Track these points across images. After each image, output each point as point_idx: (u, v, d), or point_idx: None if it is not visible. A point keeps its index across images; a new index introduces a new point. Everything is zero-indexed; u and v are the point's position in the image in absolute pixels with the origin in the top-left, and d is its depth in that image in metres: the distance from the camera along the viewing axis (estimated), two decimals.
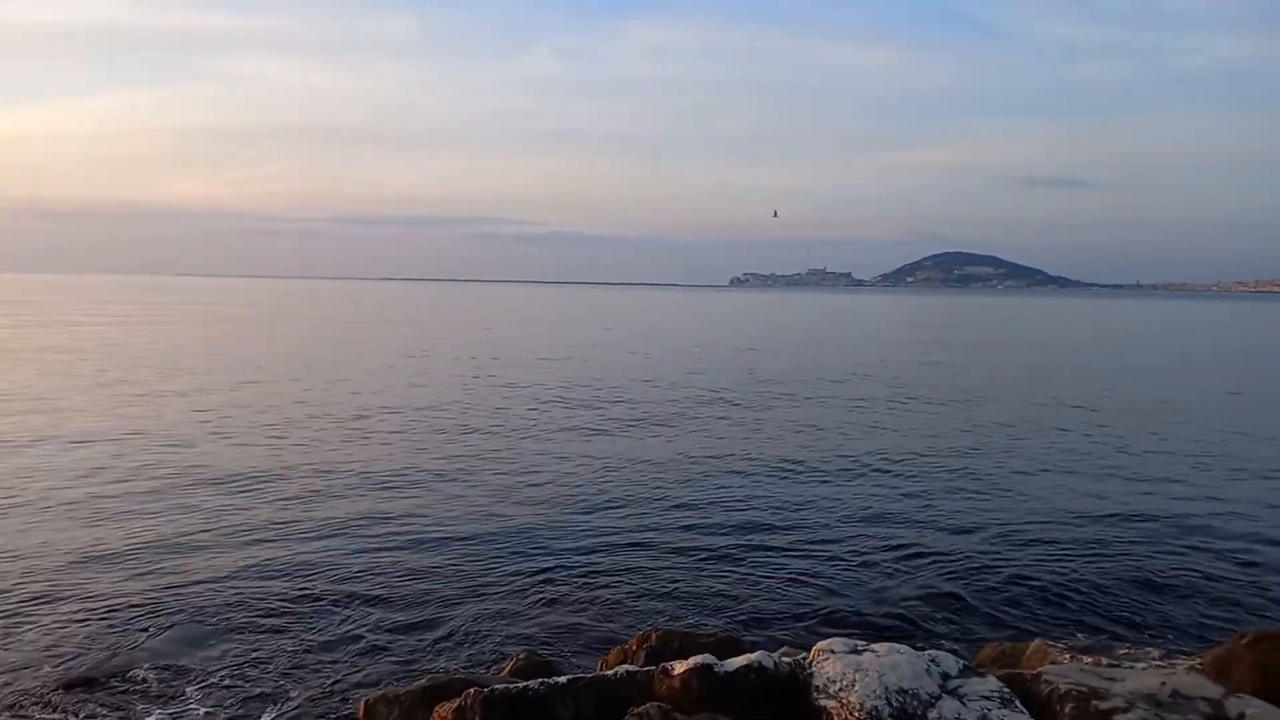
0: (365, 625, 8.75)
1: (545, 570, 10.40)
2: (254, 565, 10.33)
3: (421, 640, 8.47)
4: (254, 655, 8.03)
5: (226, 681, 7.56)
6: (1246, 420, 23.32)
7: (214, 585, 9.65)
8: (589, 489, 14.37)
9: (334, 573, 10.16)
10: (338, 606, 9.19)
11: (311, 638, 8.44)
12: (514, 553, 11.02)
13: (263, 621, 8.76)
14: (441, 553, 10.97)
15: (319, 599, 9.38)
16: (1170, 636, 8.69)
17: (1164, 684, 5.07)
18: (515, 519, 12.52)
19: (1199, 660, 6.04)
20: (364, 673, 7.76)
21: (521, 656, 7.35)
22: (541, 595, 9.64)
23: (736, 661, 5.41)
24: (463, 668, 7.77)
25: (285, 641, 8.34)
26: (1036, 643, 6.91)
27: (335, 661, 7.96)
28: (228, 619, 8.79)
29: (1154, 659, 6.38)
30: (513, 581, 10.03)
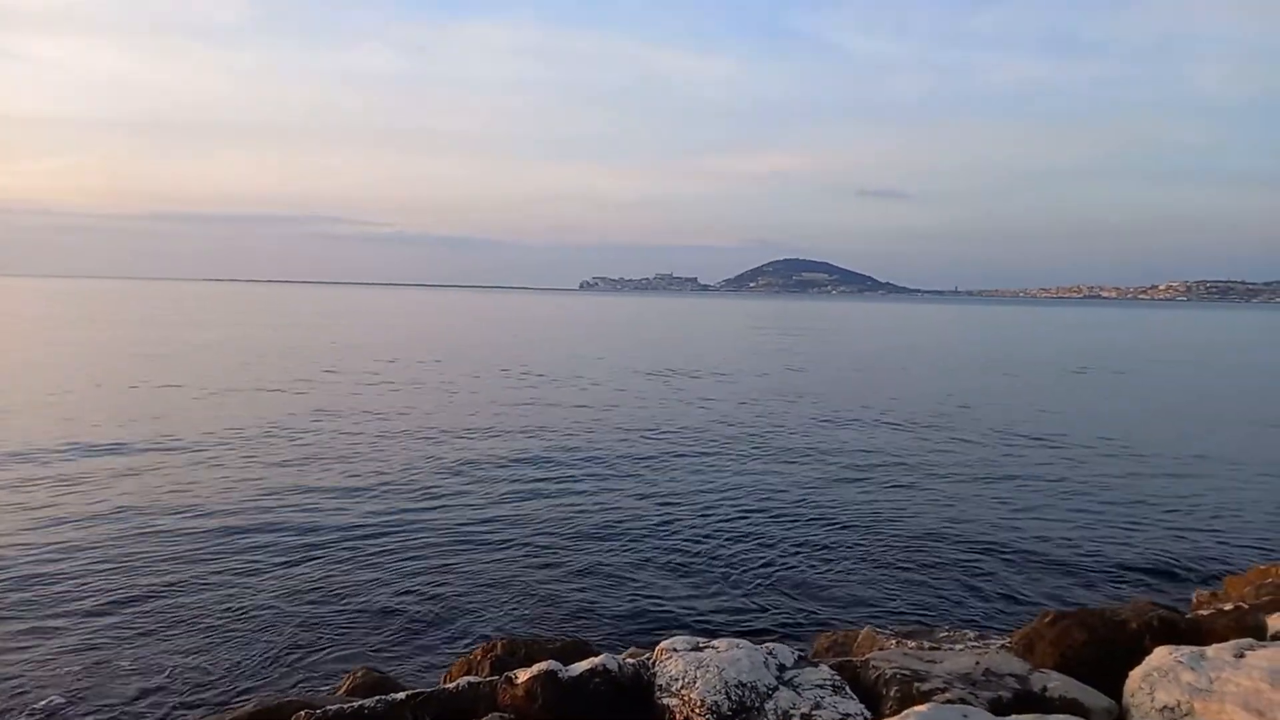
0: (186, 645, 8.15)
1: (386, 579, 10.04)
2: (48, 579, 9.45)
3: (250, 658, 7.97)
4: (61, 677, 7.32)
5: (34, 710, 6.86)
6: (1053, 413, 25.52)
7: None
8: (428, 494, 14.01)
9: (145, 586, 9.44)
10: (152, 623, 8.53)
11: (125, 658, 7.78)
12: (351, 560, 10.58)
13: (69, 642, 8.00)
14: (273, 562, 10.39)
15: (131, 614, 8.68)
16: (985, 618, 9.38)
17: (978, 663, 5.44)
18: (350, 523, 12.03)
19: (1009, 639, 6.53)
20: (185, 698, 7.22)
21: (360, 673, 7.04)
22: (382, 606, 9.30)
23: (581, 666, 5.39)
24: (295, 688, 7.39)
25: (96, 663, 7.64)
26: (865, 630, 7.28)
27: (153, 686, 7.37)
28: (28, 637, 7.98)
29: (970, 640, 6.86)
30: (351, 592, 9.62)
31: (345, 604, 9.33)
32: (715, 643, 5.58)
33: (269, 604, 9.22)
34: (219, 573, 10.08)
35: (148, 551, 10.73)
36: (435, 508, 13.26)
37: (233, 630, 8.55)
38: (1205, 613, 6.42)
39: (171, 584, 9.66)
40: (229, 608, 9.07)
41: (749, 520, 13.01)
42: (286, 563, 10.49)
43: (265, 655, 8.06)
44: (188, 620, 8.71)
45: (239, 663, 7.91)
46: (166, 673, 7.61)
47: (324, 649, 8.24)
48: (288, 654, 8.11)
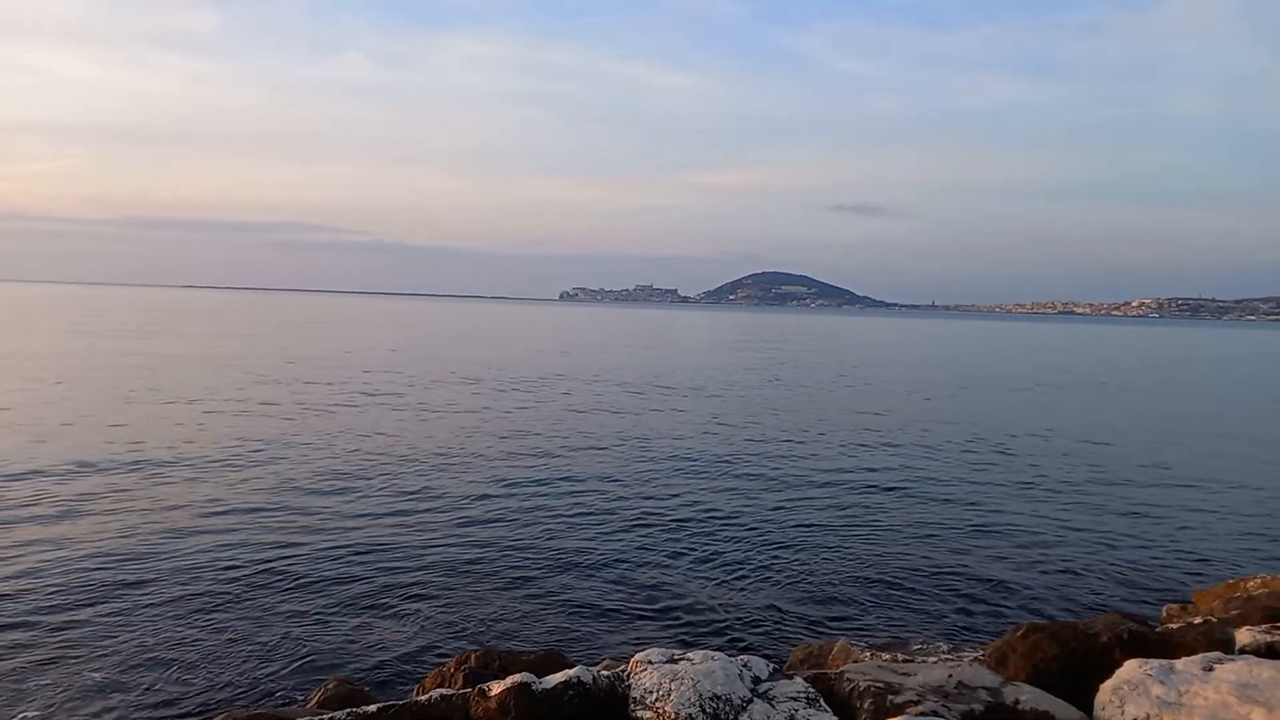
0: (154, 658, 8.01)
1: (358, 589, 9.94)
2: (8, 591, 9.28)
3: (219, 670, 7.85)
4: (29, 691, 7.17)
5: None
6: (1025, 428, 25.75)
7: None
8: (399, 505, 13.89)
9: (113, 598, 9.29)
10: (120, 636, 8.38)
11: (94, 670, 7.64)
12: (321, 570, 10.47)
13: (37, 655, 7.84)
14: (242, 572, 10.26)
15: (99, 627, 8.53)
16: (958, 631, 9.42)
17: (950, 676, 5.46)
18: (322, 535, 11.90)
19: (981, 652, 6.56)
20: (153, 712, 7.11)
21: (331, 685, 6.96)
22: (354, 616, 9.20)
23: (555, 678, 5.36)
24: (265, 700, 7.29)
25: (66, 675, 7.50)
26: (840, 642, 7.30)
27: (121, 700, 7.24)
28: None
29: (943, 653, 6.90)
30: (322, 602, 9.52)
31: (316, 615, 9.22)
32: (690, 655, 5.57)
33: (239, 615, 9.10)
34: (187, 584, 9.93)
35: (115, 564, 10.57)
36: (407, 519, 13.16)
37: (201, 642, 8.42)
38: (1175, 626, 6.49)
39: (141, 596, 9.52)
40: (198, 619, 8.94)
41: (724, 533, 13.02)
42: (256, 573, 10.36)
43: (235, 667, 7.94)
44: (156, 632, 8.58)
45: (208, 675, 7.79)
46: (135, 687, 7.48)
47: (295, 660, 8.14)
48: (258, 666, 8.00)
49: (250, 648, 8.34)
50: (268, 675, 7.84)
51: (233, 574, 10.30)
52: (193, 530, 11.99)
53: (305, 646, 8.44)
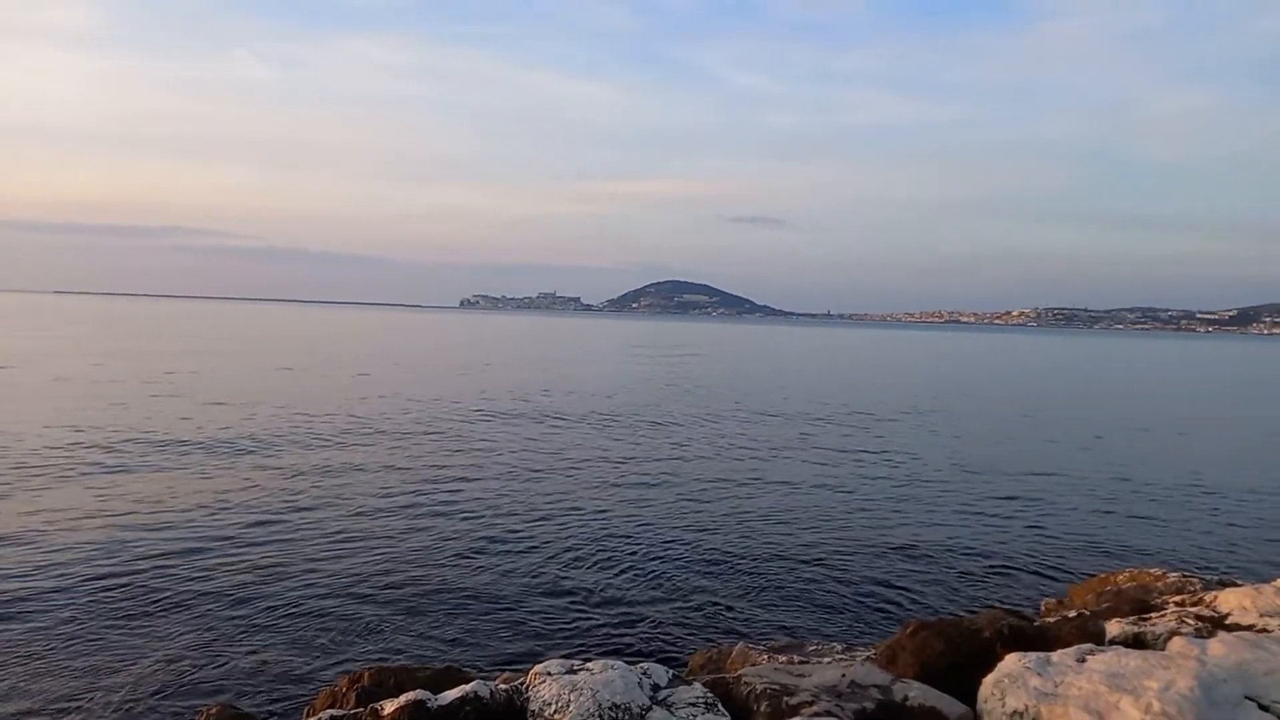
0: (15, 687, 7.47)
1: (242, 606, 9.52)
2: None
3: (95, 697, 7.39)
4: None
5: None
6: (911, 432, 26.74)
7: None
8: (282, 518, 13.37)
9: None
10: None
11: None
12: (203, 586, 9.98)
13: None
14: (117, 594, 9.68)
15: None
16: (853, 631, 9.67)
17: (844, 676, 5.59)
18: (202, 554, 11.34)
19: (873, 651, 6.74)
20: None
21: (214, 711, 6.61)
22: (238, 635, 8.80)
23: (451, 694, 5.23)
24: None
25: None
26: (739, 646, 7.38)
27: None
28: None
29: (837, 653, 7.05)
30: (203, 620, 9.07)
31: (197, 634, 8.78)
32: (590, 665, 5.53)
33: (113, 638, 8.58)
34: (50, 606, 9.30)
35: None
36: (291, 531, 12.68)
37: (69, 668, 7.91)
38: (1052, 620, 6.81)
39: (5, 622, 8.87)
40: (66, 643, 8.39)
41: (622, 541, 13.03)
42: (129, 593, 9.79)
43: (108, 695, 7.48)
44: (19, 658, 7.99)
45: (76, 705, 7.30)
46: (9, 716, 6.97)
47: (174, 686, 7.72)
48: (134, 693, 7.55)
49: (125, 672, 7.86)
50: (144, 702, 7.41)
51: (105, 594, 9.71)
52: (60, 546, 11.26)
53: (185, 670, 8.02)
